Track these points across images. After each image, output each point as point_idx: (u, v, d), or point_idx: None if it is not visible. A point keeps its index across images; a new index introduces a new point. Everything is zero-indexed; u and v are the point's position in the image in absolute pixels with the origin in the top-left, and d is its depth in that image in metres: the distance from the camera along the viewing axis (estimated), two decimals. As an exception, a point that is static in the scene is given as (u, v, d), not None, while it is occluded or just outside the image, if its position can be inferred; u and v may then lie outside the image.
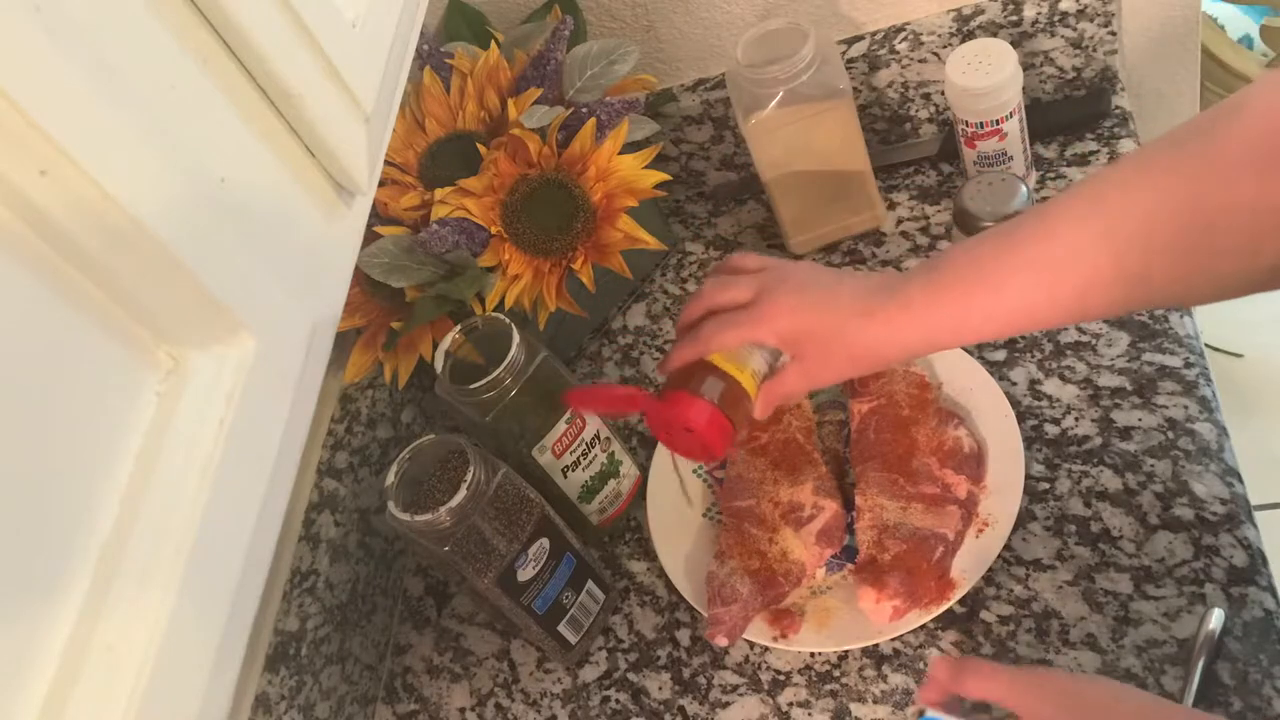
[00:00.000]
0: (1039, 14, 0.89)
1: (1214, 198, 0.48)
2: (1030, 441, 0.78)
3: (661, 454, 0.87)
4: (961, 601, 0.71)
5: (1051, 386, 0.80)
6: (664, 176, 0.86)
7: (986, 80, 0.82)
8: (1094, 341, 0.81)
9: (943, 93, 0.92)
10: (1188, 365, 0.77)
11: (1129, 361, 0.79)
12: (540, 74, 0.88)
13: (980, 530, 0.74)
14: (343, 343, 0.89)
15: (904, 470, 0.77)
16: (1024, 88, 0.85)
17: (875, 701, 0.72)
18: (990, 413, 0.78)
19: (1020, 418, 0.79)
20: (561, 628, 0.77)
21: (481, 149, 0.84)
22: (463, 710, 0.83)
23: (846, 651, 0.74)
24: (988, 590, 0.73)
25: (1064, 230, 0.53)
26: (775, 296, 0.63)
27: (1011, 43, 0.88)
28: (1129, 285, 0.52)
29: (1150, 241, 0.50)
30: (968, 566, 0.72)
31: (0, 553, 0.32)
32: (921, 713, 0.70)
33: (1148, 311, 0.81)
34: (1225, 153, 0.47)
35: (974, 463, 0.76)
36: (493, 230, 0.84)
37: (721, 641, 0.73)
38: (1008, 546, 0.73)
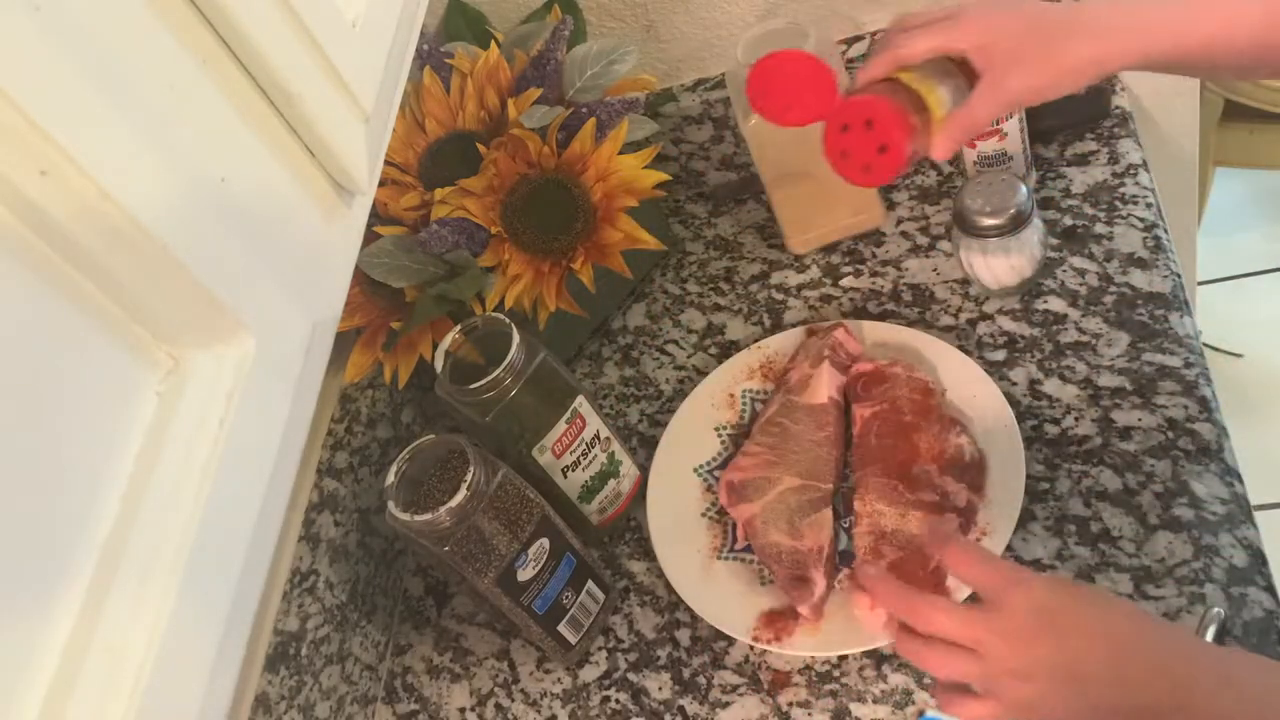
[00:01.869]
0: (1039, 14, 0.89)
1: None
2: (1030, 441, 0.78)
3: (662, 454, 0.87)
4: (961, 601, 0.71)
5: (1051, 386, 0.80)
6: (664, 176, 0.86)
7: (986, 80, 0.82)
8: (1094, 341, 0.81)
9: (943, 93, 0.92)
10: (1188, 365, 0.77)
11: (1129, 361, 0.79)
12: (540, 74, 0.88)
13: (978, 539, 0.73)
14: (343, 343, 0.89)
15: (904, 477, 0.77)
16: (1024, 88, 0.85)
17: (875, 701, 0.72)
18: (992, 420, 0.78)
19: (1020, 418, 0.79)
20: (561, 628, 0.77)
21: (481, 149, 0.84)
22: (463, 710, 0.83)
23: (846, 652, 0.74)
24: (988, 590, 0.73)
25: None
26: (976, 8, 0.63)
27: (1011, 43, 0.88)
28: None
29: None
30: (966, 571, 0.72)
31: (1, 552, 0.32)
32: (921, 713, 0.70)
33: (1148, 311, 0.81)
34: None
35: (974, 471, 0.76)
36: (493, 230, 0.84)
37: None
38: (1008, 546, 0.73)
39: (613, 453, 0.83)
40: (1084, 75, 0.61)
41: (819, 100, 0.64)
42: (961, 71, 0.65)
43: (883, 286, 0.92)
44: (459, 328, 0.76)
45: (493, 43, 0.90)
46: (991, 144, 0.86)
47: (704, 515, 0.84)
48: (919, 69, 0.64)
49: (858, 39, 0.94)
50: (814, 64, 0.64)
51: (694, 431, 0.88)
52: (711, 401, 0.90)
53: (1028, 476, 0.75)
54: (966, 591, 0.71)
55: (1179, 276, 0.83)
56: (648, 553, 0.85)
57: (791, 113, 0.66)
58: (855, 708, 0.72)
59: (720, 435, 0.88)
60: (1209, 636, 0.65)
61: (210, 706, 0.38)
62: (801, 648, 0.73)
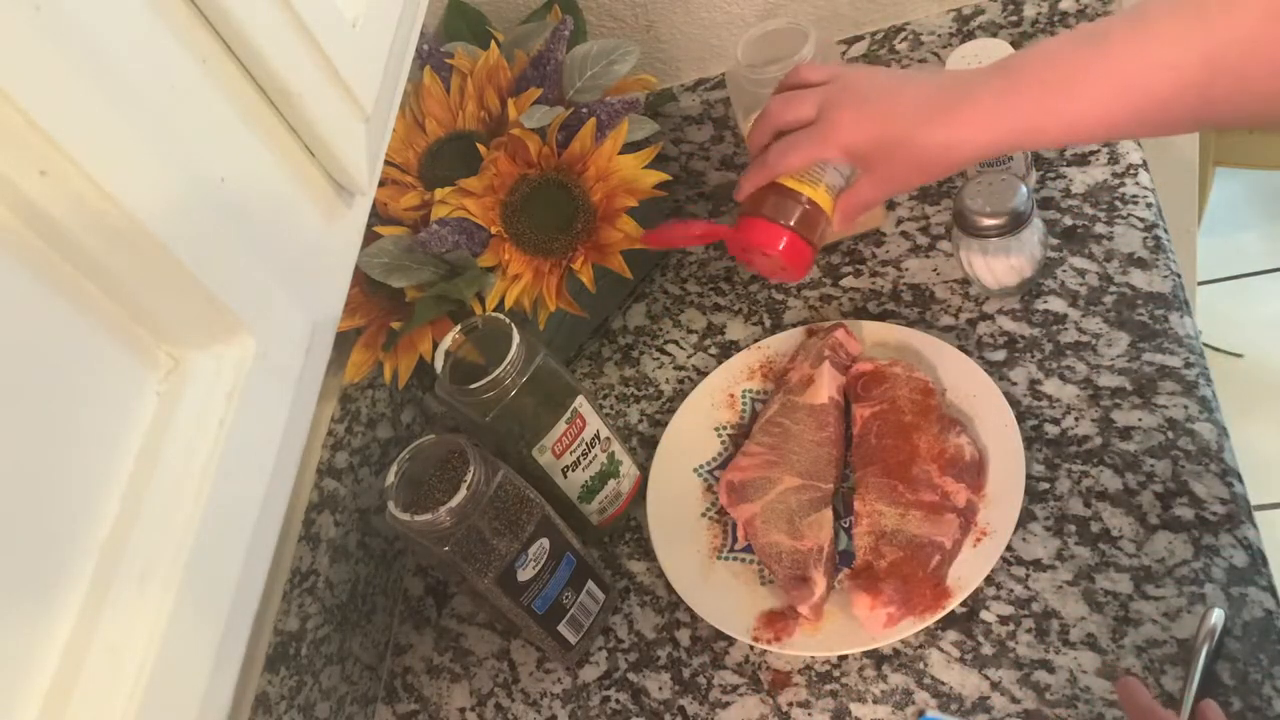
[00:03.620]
0: (1039, 14, 0.89)
1: None
2: (1030, 441, 0.78)
3: (662, 454, 0.87)
4: (961, 601, 0.71)
5: (1051, 386, 0.80)
6: (664, 176, 0.86)
7: (986, 80, 0.82)
8: (1094, 341, 0.81)
9: (943, 93, 0.92)
10: (1188, 365, 0.77)
11: (1129, 361, 0.79)
12: (540, 74, 0.88)
13: (978, 539, 0.73)
14: (343, 343, 0.89)
15: (904, 477, 0.77)
16: (1024, 88, 0.85)
17: (875, 701, 0.72)
18: (992, 420, 0.78)
19: (1020, 418, 0.79)
20: (561, 628, 0.77)
21: (481, 149, 0.84)
22: (463, 710, 0.83)
23: (846, 652, 0.74)
24: (988, 590, 0.73)
25: (1159, 46, 0.51)
26: (839, 111, 0.63)
27: (1011, 43, 0.88)
28: (1214, 106, 0.51)
29: (1247, 69, 0.49)
30: (964, 575, 0.72)
31: (1, 552, 0.32)
32: (921, 713, 0.70)
33: (1148, 311, 0.81)
34: None
35: (974, 471, 0.76)
36: (493, 230, 0.84)
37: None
38: (1008, 546, 0.73)
39: (613, 453, 0.83)
40: (944, 165, 0.62)
41: (712, 234, 0.71)
42: None
43: (883, 286, 0.92)
44: (459, 328, 0.76)
45: (493, 43, 0.90)
46: (991, 144, 0.86)
47: (704, 515, 0.84)
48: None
49: (858, 39, 0.94)
50: (694, 226, 0.73)
51: (694, 431, 0.88)
52: (711, 401, 0.90)
53: (1028, 476, 0.75)
54: (967, 592, 0.71)
55: (1179, 276, 0.83)
56: (648, 553, 0.85)
57: (689, 242, 0.75)
58: (855, 708, 0.72)
59: (720, 435, 0.88)
60: (1210, 637, 0.65)
61: (210, 706, 0.38)
62: (801, 648, 0.73)
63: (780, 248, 0.66)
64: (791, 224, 0.66)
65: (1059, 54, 0.56)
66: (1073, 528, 0.73)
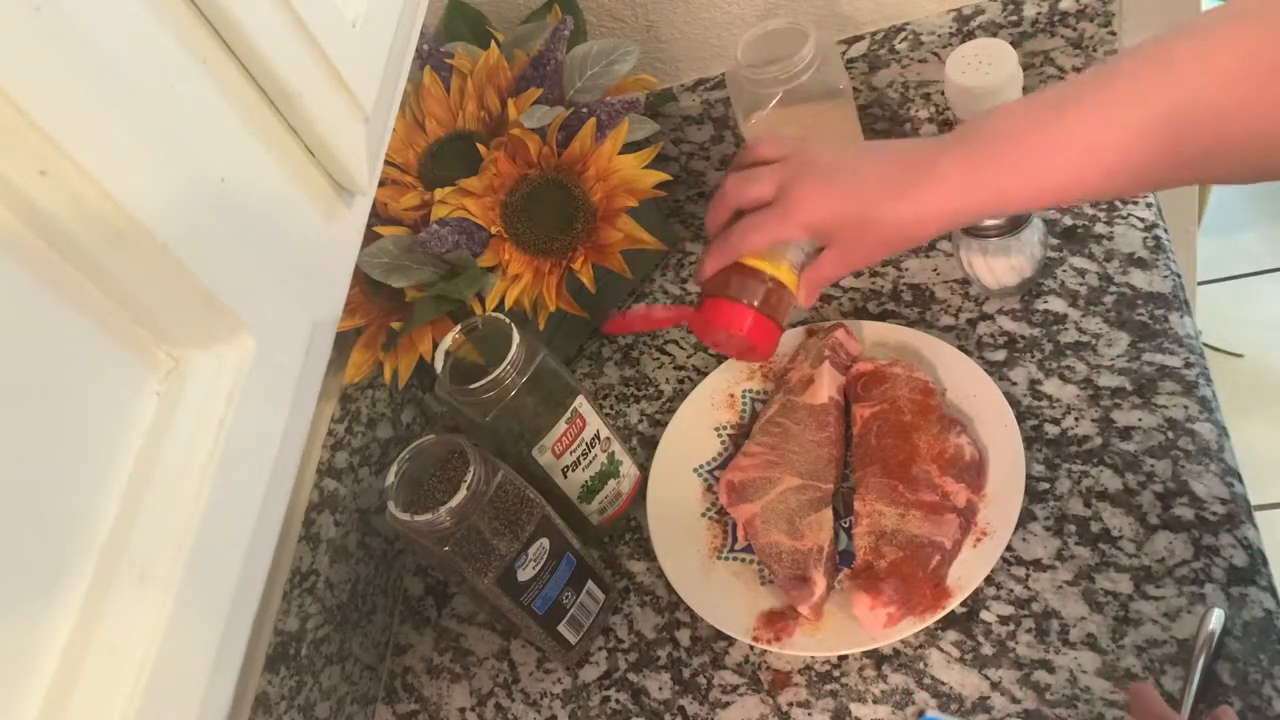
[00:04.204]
0: (1039, 14, 0.89)
1: None
2: (1030, 441, 0.78)
3: (662, 454, 0.87)
4: (961, 601, 0.71)
5: (1051, 386, 0.80)
6: (664, 176, 0.86)
7: (986, 80, 0.82)
8: (1094, 341, 0.81)
9: (943, 92, 0.92)
10: (1188, 365, 0.77)
11: (1129, 361, 0.79)
12: (540, 74, 0.88)
13: (978, 539, 0.73)
14: (343, 343, 0.89)
15: (904, 477, 0.77)
16: (1024, 88, 0.85)
17: (875, 701, 0.72)
18: (992, 420, 0.78)
19: (1020, 418, 0.79)
20: (561, 628, 0.77)
21: (481, 149, 0.84)
22: (463, 710, 0.83)
23: (846, 652, 0.74)
24: (988, 590, 0.73)
25: (1126, 106, 0.50)
26: (800, 189, 0.62)
27: (1011, 43, 0.88)
28: (1184, 167, 0.50)
29: (1216, 127, 0.48)
30: (964, 575, 0.72)
31: (1, 552, 0.32)
32: (921, 713, 0.70)
33: (1148, 311, 0.81)
34: None
35: (974, 471, 0.76)
36: (493, 230, 0.84)
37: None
38: (1008, 546, 0.73)
39: (613, 453, 0.83)
40: (909, 239, 0.62)
41: (676, 317, 0.71)
42: None
43: (883, 286, 0.92)
44: (459, 328, 0.76)
45: (493, 43, 0.89)
46: (991, 144, 0.86)
47: (704, 515, 0.84)
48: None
49: (858, 39, 0.94)
50: (656, 311, 0.72)
51: (694, 431, 0.88)
52: (711, 401, 0.90)
53: (1028, 476, 0.75)
54: (967, 592, 0.71)
55: (1179, 276, 0.83)
56: (648, 553, 0.85)
57: (651, 326, 0.74)
58: (855, 708, 0.72)
59: (720, 435, 0.88)
60: (1210, 637, 0.65)
61: (210, 706, 0.38)
62: (801, 648, 0.73)
63: (746, 328, 0.65)
64: (756, 304, 0.65)
65: (1024, 118, 0.55)
66: (1073, 528, 0.73)
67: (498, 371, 0.72)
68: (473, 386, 0.72)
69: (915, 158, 0.59)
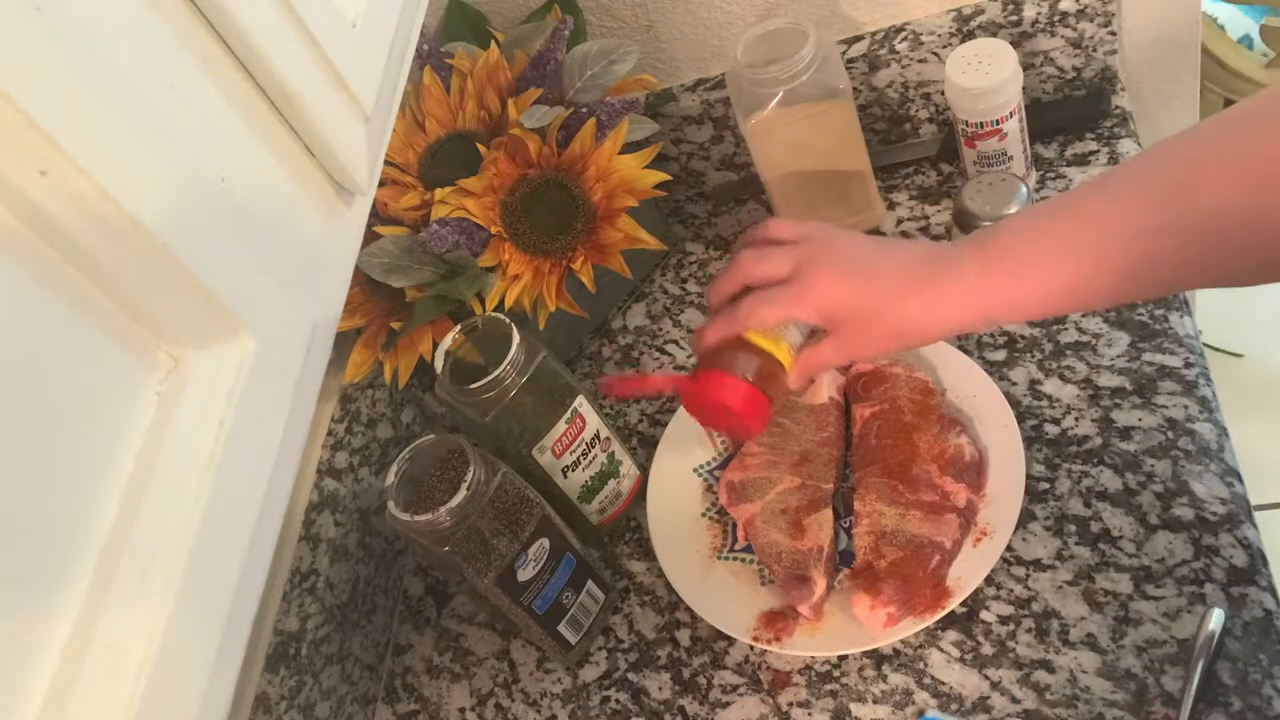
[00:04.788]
0: (1039, 14, 0.89)
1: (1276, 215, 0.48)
2: (1030, 441, 0.78)
3: (661, 454, 0.87)
4: (961, 601, 0.71)
5: (1051, 386, 0.80)
6: (664, 176, 0.86)
7: (986, 80, 0.82)
8: (1094, 341, 0.81)
9: (943, 93, 0.92)
10: (1188, 365, 0.77)
11: (1129, 361, 0.79)
12: (540, 74, 0.88)
13: (978, 539, 0.73)
14: (343, 343, 0.89)
15: (904, 477, 0.77)
16: (1024, 88, 0.85)
17: (875, 701, 0.72)
18: (992, 420, 0.78)
19: (1020, 418, 0.79)
20: (561, 628, 0.77)
21: (481, 149, 0.84)
22: (463, 710, 0.83)
23: (846, 652, 0.74)
24: (988, 590, 0.73)
25: (1130, 212, 0.52)
26: (815, 272, 0.62)
27: (1011, 43, 0.88)
28: (1188, 269, 0.52)
29: (1216, 233, 0.50)
30: (964, 575, 0.72)
31: (1, 552, 0.32)
32: (921, 713, 0.70)
33: (1148, 311, 0.81)
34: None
35: (974, 471, 0.76)
36: (493, 230, 0.84)
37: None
38: (1008, 546, 0.73)
39: (613, 453, 0.83)
40: (916, 339, 0.62)
41: (671, 385, 0.70)
42: None
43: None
44: (459, 328, 0.76)
45: (493, 43, 0.89)
46: (991, 144, 0.86)
47: (704, 515, 0.84)
48: None
49: (858, 39, 0.94)
50: (651, 380, 0.71)
51: (694, 431, 0.88)
52: (711, 401, 0.90)
53: (1028, 476, 0.75)
54: (967, 592, 0.71)
55: (1179, 276, 0.82)
56: (648, 553, 0.85)
57: (644, 392, 0.72)
58: (855, 708, 0.72)
59: (720, 435, 0.88)
60: (1210, 637, 0.65)
61: (210, 706, 0.38)
62: (801, 648, 0.73)
63: (740, 402, 0.64)
64: (751, 378, 0.64)
65: (1031, 227, 0.56)
66: (1073, 528, 0.73)
67: (498, 371, 0.72)
68: (473, 386, 0.72)
69: (932, 258, 0.60)
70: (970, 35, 0.91)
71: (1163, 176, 0.51)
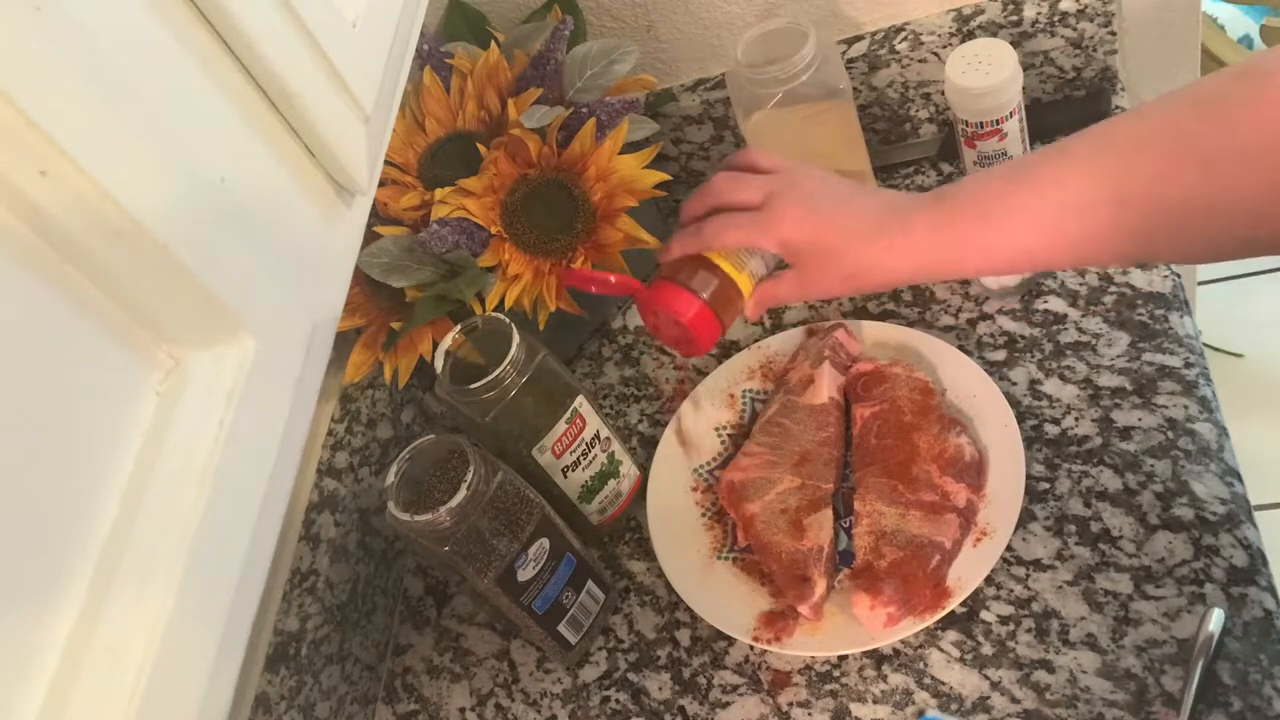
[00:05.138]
0: (1039, 14, 0.89)
1: (1223, 182, 0.48)
2: (1030, 441, 0.78)
3: (661, 454, 0.87)
4: (961, 601, 0.71)
5: (1051, 386, 0.80)
6: (664, 176, 0.86)
7: (986, 80, 0.82)
8: (1094, 341, 0.81)
9: (943, 93, 0.92)
10: (1188, 365, 0.77)
11: (1129, 361, 0.79)
12: (540, 74, 0.88)
13: (978, 539, 0.73)
14: (343, 343, 0.89)
15: (904, 477, 0.77)
16: (1024, 88, 0.85)
17: (875, 701, 0.72)
18: (992, 420, 0.78)
19: (1020, 418, 0.79)
20: (561, 628, 0.77)
21: (481, 149, 0.84)
22: (463, 710, 0.83)
23: (846, 652, 0.74)
24: (988, 590, 0.73)
25: (1073, 182, 0.53)
26: (784, 204, 0.64)
27: (1011, 43, 0.88)
28: (1127, 241, 0.53)
29: (1155, 207, 0.50)
30: (964, 575, 0.72)
31: (1, 552, 0.32)
32: (921, 713, 0.70)
33: (1148, 311, 0.81)
34: (1239, 142, 0.47)
35: (974, 471, 0.76)
36: (493, 230, 0.84)
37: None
38: (1008, 546, 0.73)
39: (613, 453, 0.83)
40: (871, 282, 0.64)
41: (626, 286, 0.71)
42: None
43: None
44: (459, 328, 0.76)
45: (493, 43, 0.89)
46: (991, 144, 0.86)
47: (704, 515, 0.84)
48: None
49: (858, 39, 0.94)
50: (609, 275, 0.72)
51: (694, 432, 0.89)
52: (711, 401, 0.90)
53: (1028, 476, 0.75)
54: (967, 592, 0.71)
55: (1179, 276, 0.83)
56: (648, 553, 0.85)
57: (603, 289, 0.73)
58: (855, 708, 0.72)
59: (720, 435, 0.88)
60: (1210, 637, 0.65)
61: (210, 706, 0.38)
62: (801, 648, 0.73)
63: (690, 317, 0.65)
64: (706, 297, 0.66)
65: (986, 187, 0.58)
66: (1073, 528, 0.73)
67: (498, 371, 0.72)
68: (473, 386, 0.72)
69: (893, 209, 0.62)
70: (970, 35, 0.91)
71: (1115, 149, 0.52)
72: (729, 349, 0.94)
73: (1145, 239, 0.52)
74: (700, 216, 0.67)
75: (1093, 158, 0.53)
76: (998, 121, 0.84)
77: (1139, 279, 0.83)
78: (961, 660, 0.71)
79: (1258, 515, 0.71)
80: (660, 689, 0.78)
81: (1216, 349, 1.68)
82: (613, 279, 0.71)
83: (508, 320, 0.74)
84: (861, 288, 0.65)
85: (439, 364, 0.75)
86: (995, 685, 0.69)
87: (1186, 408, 0.76)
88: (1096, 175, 0.52)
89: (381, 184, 0.87)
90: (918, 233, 0.60)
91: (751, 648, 0.77)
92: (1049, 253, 0.56)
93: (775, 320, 0.94)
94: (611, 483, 0.84)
